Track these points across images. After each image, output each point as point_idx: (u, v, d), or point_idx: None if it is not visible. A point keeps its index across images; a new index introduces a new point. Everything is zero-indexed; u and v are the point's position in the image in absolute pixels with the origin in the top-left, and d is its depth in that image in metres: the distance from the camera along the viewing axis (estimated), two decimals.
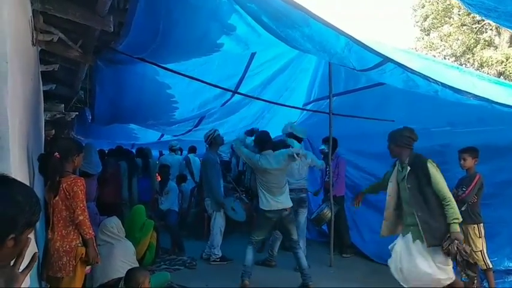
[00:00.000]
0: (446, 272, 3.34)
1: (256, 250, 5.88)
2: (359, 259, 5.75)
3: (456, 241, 3.24)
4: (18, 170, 2.06)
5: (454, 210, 3.31)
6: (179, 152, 9.11)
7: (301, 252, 4.57)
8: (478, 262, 4.06)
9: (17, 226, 1.13)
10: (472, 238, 4.06)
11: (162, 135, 9.15)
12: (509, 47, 15.01)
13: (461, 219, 3.32)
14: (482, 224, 4.09)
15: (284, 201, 4.51)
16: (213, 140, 5.63)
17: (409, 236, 3.47)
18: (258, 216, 4.76)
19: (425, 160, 3.42)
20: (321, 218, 5.49)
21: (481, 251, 4.05)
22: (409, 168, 3.47)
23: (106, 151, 7.99)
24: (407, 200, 3.50)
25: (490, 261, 4.12)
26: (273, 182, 4.48)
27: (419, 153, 3.55)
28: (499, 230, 4.68)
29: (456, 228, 3.28)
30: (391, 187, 3.65)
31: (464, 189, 4.07)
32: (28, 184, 2.49)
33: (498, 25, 10.77)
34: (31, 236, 1.25)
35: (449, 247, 3.24)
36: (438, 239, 3.32)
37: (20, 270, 1.20)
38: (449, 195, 3.34)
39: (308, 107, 6.48)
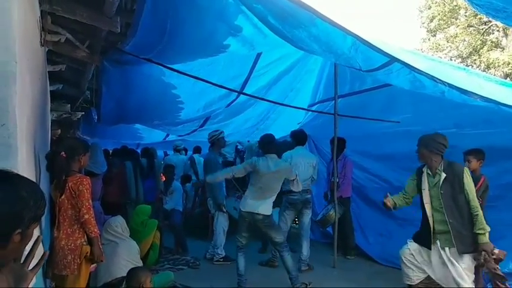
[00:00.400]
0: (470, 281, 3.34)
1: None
2: (363, 261, 5.73)
3: (484, 252, 3.23)
4: (26, 168, 2.08)
5: (481, 220, 3.29)
6: (184, 152, 9.13)
7: (287, 254, 4.47)
8: None
9: (23, 221, 1.14)
10: None
11: (167, 135, 9.19)
12: None
13: (488, 229, 3.29)
14: None
15: (260, 207, 4.39)
16: (216, 141, 5.64)
17: (438, 243, 3.44)
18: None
19: (463, 168, 3.41)
20: (327, 220, 5.47)
21: None
22: (444, 175, 3.42)
23: (110, 151, 8.02)
24: (438, 207, 3.45)
25: None
26: (262, 184, 4.40)
27: (453, 161, 3.50)
28: (504, 232, 4.63)
29: (483, 238, 3.26)
30: (426, 194, 3.55)
31: None
32: (34, 181, 2.51)
33: (506, 26, 10.69)
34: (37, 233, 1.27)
35: (478, 257, 3.27)
36: (469, 246, 3.32)
37: (29, 269, 1.21)
38: (478, 205, 3.34)
39: (313, 108, 6.48)
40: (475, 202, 3.33)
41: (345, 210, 5.77)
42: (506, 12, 1.79)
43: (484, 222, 3.30)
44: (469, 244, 3.32)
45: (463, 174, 3.36)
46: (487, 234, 3.28)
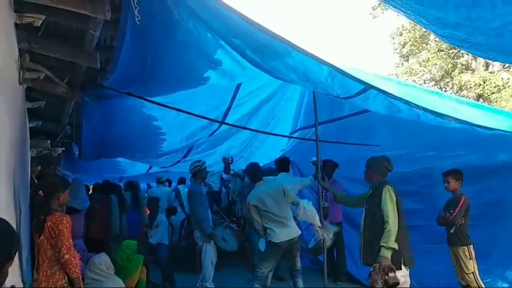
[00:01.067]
0: None
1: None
2: (353, 286, 5.67)
3: (377, 265, 3.25)
4: (5, 208, 2.03)
5: (388, 235, 3.30)
6: (167, 184, 9.01)
7: (301, 282, 4.52)
8: (471, 284, 4.06)
9: None
10: (462, 260, 4.08)
11: (150, 167, 9.09)
12: (485, 70, 15.58)
13: (393, 247, 3.27)
14: (471, 246, 4.12)
15: (293, 231, 4.48)
16: (198, 172, 5.60)
17: None
18: (267, 247, 4.62)
19: (385, 184, 3.53)
20: (320, 247, 5.36)
21: (473, 272, 4.06)
22: (371, 191, 3.65)
23: (90, 186, 7.86)
24: None
25: (483, 283, 4.12)
26: (270, 210, 4.41)
27: (387, 181, 3.64)
28: (490, 250, 4.71)
29: (384, 252, 3.27)
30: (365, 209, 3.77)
31: (451, 211, 4.12)
32: (15, 222, 2.45)
33: (470, 54, 11.21)
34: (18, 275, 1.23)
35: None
36: (374, 260, 3.35)
37: None
38: (391, 221, 3.34)
39: (295, 135, 6.56)
40: (387, 217, 3.37)
41: (337, 236, 5.73)
42: (469, 42, 1.91)
43: (393, 239, 3.28)
44: (375, 258, 3.34)
45: (382, 191, 3.47)
46: (390, 251, 3.27)
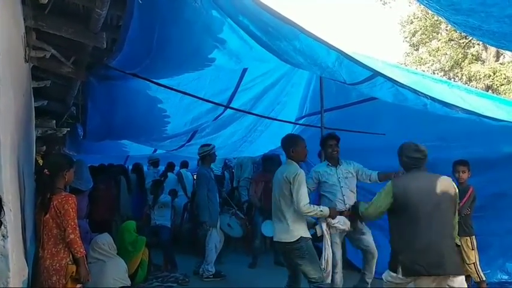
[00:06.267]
0: None
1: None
2: (352, 272, 5.70)
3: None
4: (10, 187, 2.04)
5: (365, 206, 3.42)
6: (151, 167, 8.90)
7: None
8: (472, 275, 4.08)
9: None
10: (465, 250, 4.08)
11: (155, 151, 9.10)
12: (496, 61, 15.35)
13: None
14: (474, 236, 4.12)
15: (289, 234, 3.69)
16: (207, 156, 5.59)
17: None
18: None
19: None
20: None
21: (474, 263, 4.07)
22: None
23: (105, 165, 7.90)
24: None
25: (484, 274, 4.13)
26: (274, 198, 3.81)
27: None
28: (491, 242, 4.72)
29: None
30: None
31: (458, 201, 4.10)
32: (19, 200, 2.47)
33: (482, 42, 11.01)
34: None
35: None
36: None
37: None
38: (372, 203, 3.28)
39: (301, 122, 6.52)
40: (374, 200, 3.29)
41: None
42: (482, 30, 1.87)
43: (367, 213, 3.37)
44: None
45: None
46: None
